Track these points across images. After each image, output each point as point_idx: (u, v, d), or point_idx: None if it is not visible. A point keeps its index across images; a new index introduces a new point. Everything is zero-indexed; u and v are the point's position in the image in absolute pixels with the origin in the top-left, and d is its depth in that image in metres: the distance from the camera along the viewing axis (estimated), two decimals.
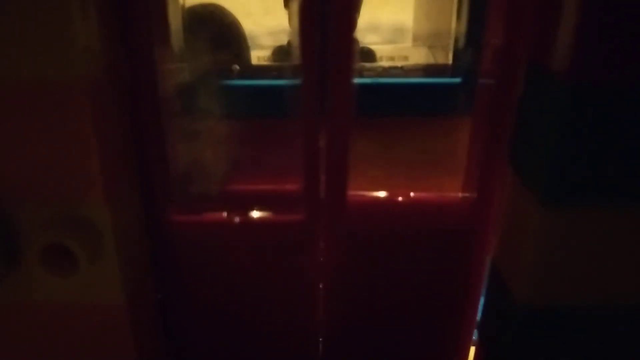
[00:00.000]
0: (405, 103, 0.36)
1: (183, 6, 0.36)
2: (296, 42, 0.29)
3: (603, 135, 0.25)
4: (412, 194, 0.34)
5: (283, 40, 0.51)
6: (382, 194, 0.34)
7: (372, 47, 0.49)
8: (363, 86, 0.31)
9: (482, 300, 0.35)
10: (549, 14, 0.25)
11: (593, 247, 0.28)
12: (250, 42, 0.44)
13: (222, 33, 0.43)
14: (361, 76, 0.31)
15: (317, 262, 0.34)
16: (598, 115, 0.24)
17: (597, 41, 0.23)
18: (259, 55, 0.49)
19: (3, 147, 0.26)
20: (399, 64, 0.44)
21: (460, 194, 0.33)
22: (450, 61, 0.38)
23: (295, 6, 0.29)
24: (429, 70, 0.39)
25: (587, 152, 0.25)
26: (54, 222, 0.28)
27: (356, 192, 0.33)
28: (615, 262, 0.28)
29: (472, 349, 0.38)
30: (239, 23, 0.44)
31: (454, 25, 0.37)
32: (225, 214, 0.33)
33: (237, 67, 0.39)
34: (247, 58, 0.45)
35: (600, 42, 0.23)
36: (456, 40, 0.37)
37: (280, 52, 0.47)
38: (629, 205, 0.26)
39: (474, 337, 0.37)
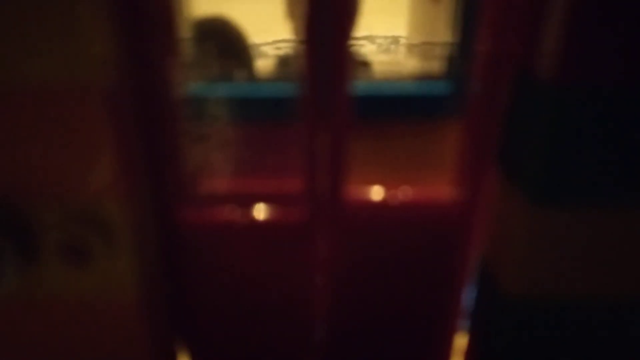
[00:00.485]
0: (399, 109, 0.37)
1: (190, 18, 0.37)
2: (298, 52, 0.31)
3: (589, 137, 0.27)
4: (406, 194, 0.35)
5: (286, 50, 0.53)
6: (378, 194, 0.35)
7: (368, 57, 0.50)
8: (360, 92, 0.32)
9: (472, 294, 0.37)
10: (535, 20, 0.26)
11: (580, 242, 0.29)
12: (254, 52, 0.46)
13: (228, 43, 0.44)
14: (358, 83, 0.32)
15: (316, 259, 0.36)
16: (583, 118, 0.26)
17: (581, 48, 0.25)
18: (263, 64, 0.50)
19: (20, 148, 0.28)
20: (393, 71, 0.45)
21: (452, 194, 0.35)
22: (442, 69, 0.39)
23: (297, 18, 0.30)
24: (422, 78, 0.41)
25: (573, 153, 0.27)
26: (70, 219, 0.29)
27: (353, 193, 0.34)
28: (603, 258, 0.29)
29: (463, 343, 0.39)
30: (244, 34, 0.45)
31: (446, 35, 0.38)
32: (231, 212, 0.35)
33: (242, 73, 0.41)
34: (252, 67, 0.46)
35: (584, 48, 0.25)
36: (449, 50, 0.38)
37: (283, 61, 0.48)
38: (616, 203, 0.28)
39: (462, 330, 0.39)
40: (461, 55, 0.37)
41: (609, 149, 0.27)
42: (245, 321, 0.38)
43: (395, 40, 0.73)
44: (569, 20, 0.25)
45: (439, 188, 0.35)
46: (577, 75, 0.25)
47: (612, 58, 0.25)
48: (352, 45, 0.30)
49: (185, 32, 0.35)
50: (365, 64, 0.47)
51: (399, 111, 0.37)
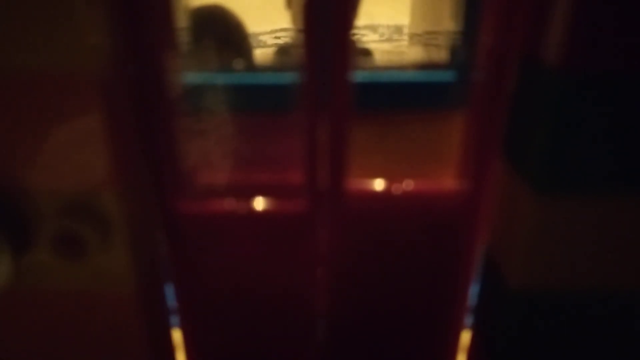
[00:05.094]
0: (401, 98, 0.37)
1: (188, 6, 0.37)
2: (298, 41, 0.30)
3: (595, 124, 0.26)
4: (409, 184, 0.35)
5: (285, 39, 0.52)
6: (380, 185, 0.35)
7: (370, 45, 0.50)
8: (361, 82, 0.32)
9: (476, 287, 0.36)
10: (541, 6, 0.26)
11: (586, 232, 0.29)
12: (253, 42, 0.45)
13: (227, 33, 0.43)
14: (359, 72, 0.32)
15: (317, 250, 0.35)
16: (590, 105, 0.26)
17: (588, 34, 0.24)
18: (262, 54, 0.50)
19: (14, 137, 0.27)
20: (396, 60, 0.45)
21: (456, 184, 0.34)
22: (445, 58, 0.39)
23: (296, 7, 0.30)
24: (425, 67, 0.40)
25: (579, 140, 0.26)
26: (65, 210, 0.28)
27: (355, 184, 0.34)
28: (608, 248, 0.29)
29: (467, 335, 0.38)
30: (243, 23, 0.45)
31: (449, 23, 0.37)
32: (230, 204, 0.34)
33: (240, 62, 0.40)
34: (251, 57, 0.46)
35: (591, 34, 0.24)
36: (452, 38, 0.38)
37: (282, 51, 0.48)
38: (622, 192, 0.28)
39: (467, 323, 0.38)
40: (465, 44, 0.36)
41: (615, 137, 0.26)
42: (244, 315, 0.38)
43: (397, 29, 0.72)
44: (576, 6, 0.24)
45: (443, 179, 0.35)
46: (584, 61, 0.25)
47: (618, 44, 0.25)
48: (353, 34, 0.30)
49: (182, 21, 0.35)
50: (366, 53, 0.47)
51: (401, 100, 0.36)
